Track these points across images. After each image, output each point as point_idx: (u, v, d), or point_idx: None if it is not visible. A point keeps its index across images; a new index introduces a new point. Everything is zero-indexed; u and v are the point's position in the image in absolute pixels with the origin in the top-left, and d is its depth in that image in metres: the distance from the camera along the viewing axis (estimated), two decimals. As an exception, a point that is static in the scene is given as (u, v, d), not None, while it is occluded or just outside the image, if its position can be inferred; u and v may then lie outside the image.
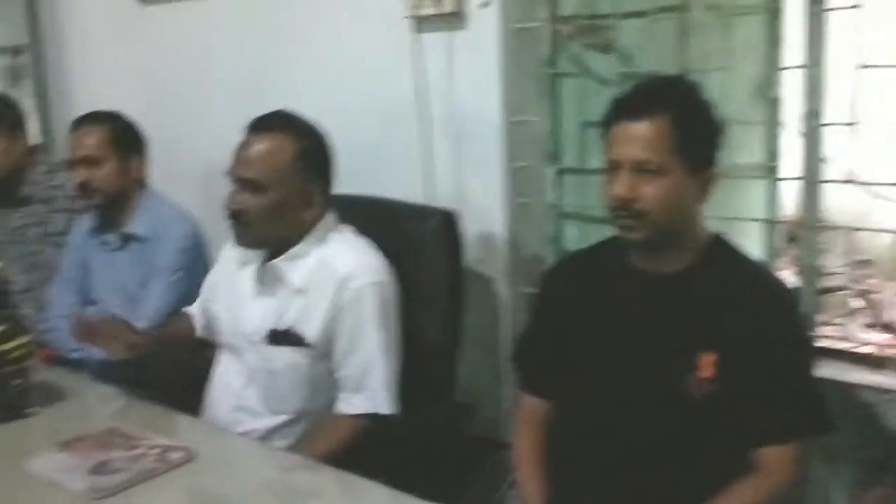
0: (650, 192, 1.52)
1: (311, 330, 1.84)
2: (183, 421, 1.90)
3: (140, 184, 2.49)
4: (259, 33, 2.79)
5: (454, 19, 2.28)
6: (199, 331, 2.12)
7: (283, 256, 1.88)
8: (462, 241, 2.07)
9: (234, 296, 1.98)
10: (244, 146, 1.85)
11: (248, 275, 1.96)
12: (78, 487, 1.53)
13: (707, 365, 1.53)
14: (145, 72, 3.13)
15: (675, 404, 1.55)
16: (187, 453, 1.64)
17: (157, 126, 2.59)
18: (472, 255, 2.24)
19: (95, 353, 2.35)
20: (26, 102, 3.32)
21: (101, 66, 3.29)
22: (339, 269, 1.83)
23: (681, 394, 1.54)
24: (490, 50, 2.23)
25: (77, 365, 2.37)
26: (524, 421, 1.78)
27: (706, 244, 1.62)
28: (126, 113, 2.50)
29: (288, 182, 1.83)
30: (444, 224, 2.04)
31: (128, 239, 2.46)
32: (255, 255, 1.94)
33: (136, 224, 2.45)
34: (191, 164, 1.82)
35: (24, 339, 1.88)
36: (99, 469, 1.58)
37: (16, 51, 3.40)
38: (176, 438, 1.71)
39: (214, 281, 2.11)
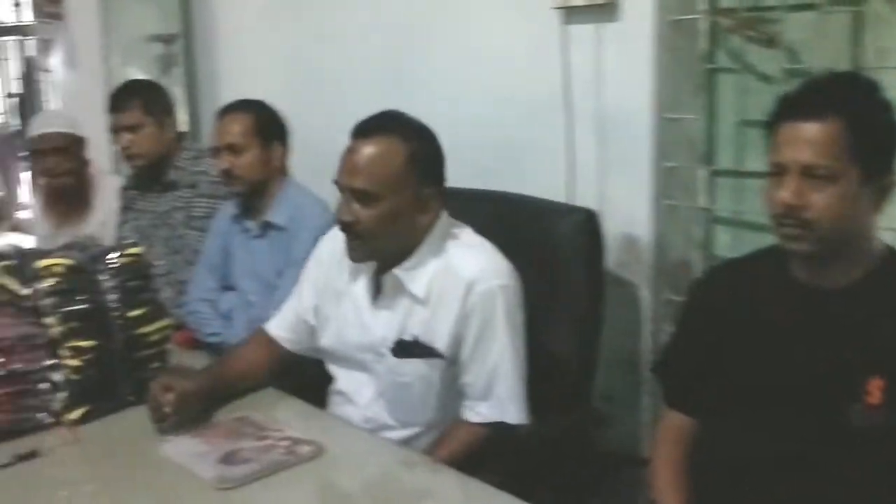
0: (820, 199, 1.40)
1: (439, 340, 1.77)
2: (313, 414, 1.89)
3: (281, 173, 2.52)
4: (402, 23, 2.77)
5: (605, 10, 2.18)
6: (290, 345, 2.01)
7: (401, 266, 1.79)
8: (604, 243, 1.98)
9: (351, 307, 1.89)
10: (351, 153, 1.74)
11: (362, 285, 1.88)
12: (207, 475, 1.54)
13: (875, 391, 1.40)
14: (291, 61, 3.18)
15: (835, 433, 1.43)
16: (316, 448, 1.63)
17: (300, 115, 2.61)
18: (612, 257, 2.15)
19: (233, 337, 2.43)
20: (176, 90, 3.44)
21: (247, 55, 3.37)
22: (463, 275, 1.75)
23: (842, 422, 1.41)
24: (643, 43, 2.13)
25: (215, 349, 2.42)
26: (665, 437, 1.68)
27: (878, 258, 1.48)
28: (270, 102, 2.54)
29: (401, 189, 1.73)
30: (586, 224, 1.96)
31: (267, 227, 2.49)
32: (367, 264, 1.87)
33: (276, 213, 2.48)
34: (333, 154, 1.79)
35: (163, 323, 1.93)
36: (229, 458, 1.59)
37: (168, 39, 3.52)
38: (305, 432, 1.70)
39: (321, 288, 1.97)
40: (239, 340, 2.38)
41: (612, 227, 2.13)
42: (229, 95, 2.80)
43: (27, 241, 3.72)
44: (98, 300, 1.81)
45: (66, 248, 1.91)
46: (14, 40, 5.07)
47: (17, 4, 4.95)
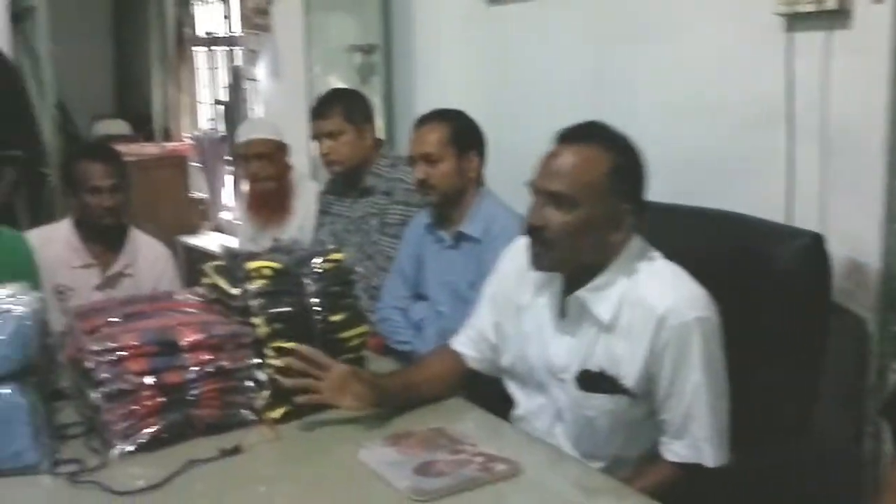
0: None
1: (628, 375, 1.67)
2: (506, 430, 1.85)
3: (477, 183, 2.51)
4: (603, 32, 2.71)
5: (836, 17, 2.03)
6: (474, 363, 1.97)
7: (587, 287, 1.71)
8: (830, 271, 1.83)
9: (533, 325, 1.83)
10: (553, 156, 1.70)
11: (545, 304, 1.81)
12: (402, 485, 1.53)
13: None
14: (488, 70, 3.18)
15: None
16: (512, 467, 1.59)
17: (496, 125, 2.60)
18: (834, 284, 1.98)
19: (423, 347, 2.44)
20: (374, 99, 3.52)
21: (445, 65, 3.40)
22: (656, 306, 1.64)
23: None
24: (879, 52, 1.96)
25: (405, 357, 2.45)
26: (894, 487, 1.52)
27: None
28: (467, 111, 2.53)
29: (599, 199, 1.66)
30: (812, 249, 1.81)
31: (461, 238, 2.49)
32: (551, 281, 1.79)
33: (470, 224, 2.47)
34: (529, 165, 1.74)
35: (362, 329, 1.95)
36: (423, 469, 1.57)
37: (368, 50, 3.61)
38: (501, 448, 1.66)
39: (501, 304, 1.92)
40: (427, 350, 2.40)
41: (835, 252, 1.96)
42: (426, 104, 2.83)
43: (229, 242, 3.93)
44: (302, 303, 1.85)
45: (273, 251, 1.97)
46: (223, 51, 5.38)
47: (226, 17, 5.26)
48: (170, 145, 5.67)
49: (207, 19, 5.54)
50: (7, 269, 2.36)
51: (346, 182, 2.97)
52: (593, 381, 1.71)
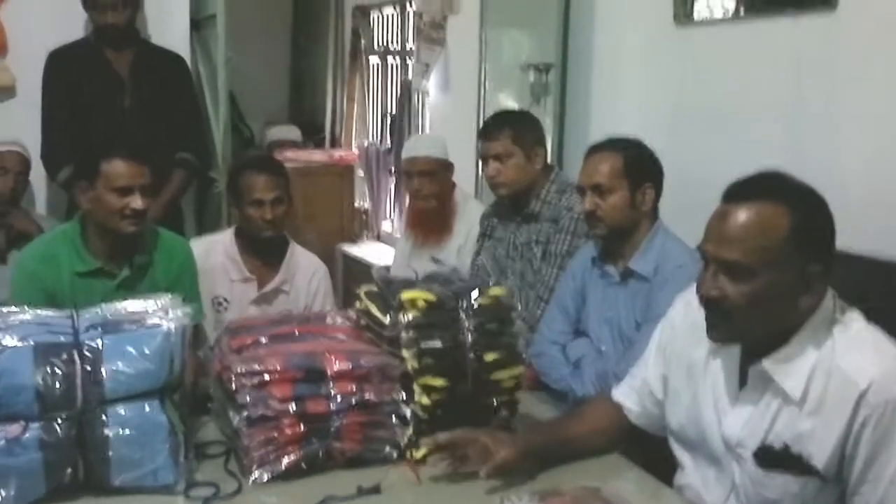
0: None
1: (819, 454, 1.49)
2: (671, 498, 1.70)
3: (650, 217, 2.36)
4: (806, 58, 2.49)
5: None
6: (636, 417, 1.84)
7: (773, 357, 1.54)
8: None
9: (707, 389, 1.67)
10: (723, 218, 1.53)
11: (722, 367, 1.65)
12: (549, 550, 1.42)
13: None
14: (671, 96, 3.01)
15: None
16: (673, 544, 1.44)
17: (677, 155, 2.44)
18: None
19: (580, 387, 2.32)
20: (546, 120, 3.42)
21: (624, 88, 3.26)
22: (856, 379, 1.45)
23: None
24: None
25: (560, 395, 2.34)
26: None
27: None
28: (645, 139, 2.39)
29: (780, 265, 1.49)
30: None
31: (629, 274, 2.35)
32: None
33: (640, 260, 2.32)
34: (712, 201, 1.58)
35: (517, 370, 1.85)
36: (574, 535, 1.46)
37: (543, 68, 3.51)
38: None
39: (671, 356, 1.78)
40: (584, 392, 2.28)
41: None
42: (601, 129, 2.70)
43: (388, 254, 3.93)
44: (455, 339, 1.77)
45: (429, 281, 1.90)
46: (396, 62, 5.43)
47: (402, 29, 5.31)
48: (337, 153, 5.78)
49: (383, 31, 5.62)
50: (168, 274, 2.43)
51: (511, 206, 2.88)
52: (775, 458, 1.53)
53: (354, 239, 5.59)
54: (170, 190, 3.14)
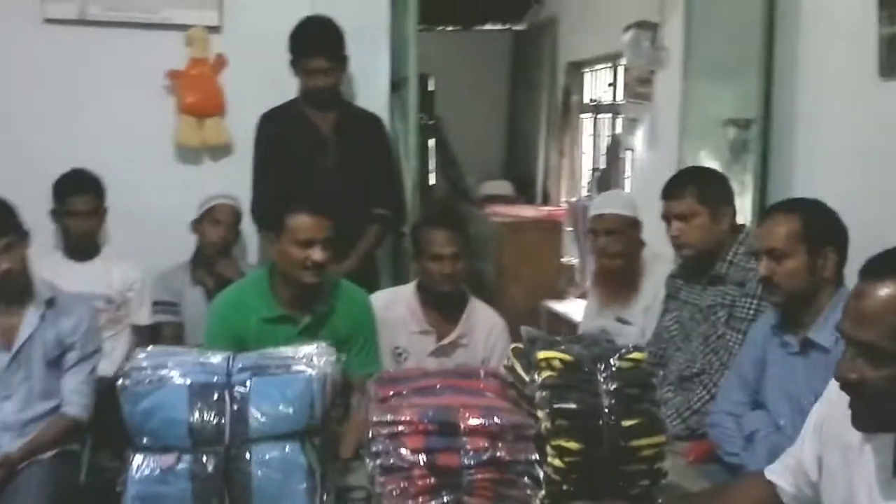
0: None
1: None
2: None
3: (833, 284, 2.23)
4: None
5: None
6: (790, 500, 1.74)
7: None
8: None
9: (862, 476, 1.55)
10: (859, 297, 1.47)
11: (874, 450, 1.53)
12: None
13: None
14: (878, 155, 2.83)
15: None
16: None
17: (884, 217, 2.27)
18: None
19: (752, 462, 2.21)
20: (745, 178, 3.31)
21: (828, 145, 3.09)
22: None
23: None
24: None
25: (732, 469, 2.26)
26: None
27: None
28: (848, 199, 2.26)
29: None
30: None
31: (809, 345, 2.22)
32: None
33: (820, 330, 2.19)
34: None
35: (658, 439, 1.81)
36: None
37: (744, 124, 3.41)
38: None
39: (827, 436, 1.68)
40: (756, 468, 2.17)
41: None
42: (805, 187, 2.58)
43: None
44: (591, 402, 1.77)
45: (571, 342, 1.91)
46: (606, 118, 5.46)
47: (612, 85, 5.34)
48: (546, 209, 5.87)
49: (595, 87, 5.67)
50: (348, 323, 2.59)
51: (696, 267, 2.81)
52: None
53: (560, 295, 5.61)
54: (364, 244, 3.33)
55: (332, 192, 3.07)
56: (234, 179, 3.32)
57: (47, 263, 2.88)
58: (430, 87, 5.59)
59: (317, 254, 2.42)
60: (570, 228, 5.61)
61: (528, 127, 6.38)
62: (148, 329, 3.17)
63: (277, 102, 3.32)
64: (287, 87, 3.34)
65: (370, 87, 3.57)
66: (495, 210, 5.81)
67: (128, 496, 1.72)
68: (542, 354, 1.79)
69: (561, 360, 1.78)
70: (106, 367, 2.68)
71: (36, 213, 2.78)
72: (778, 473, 1.77)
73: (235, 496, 1.70)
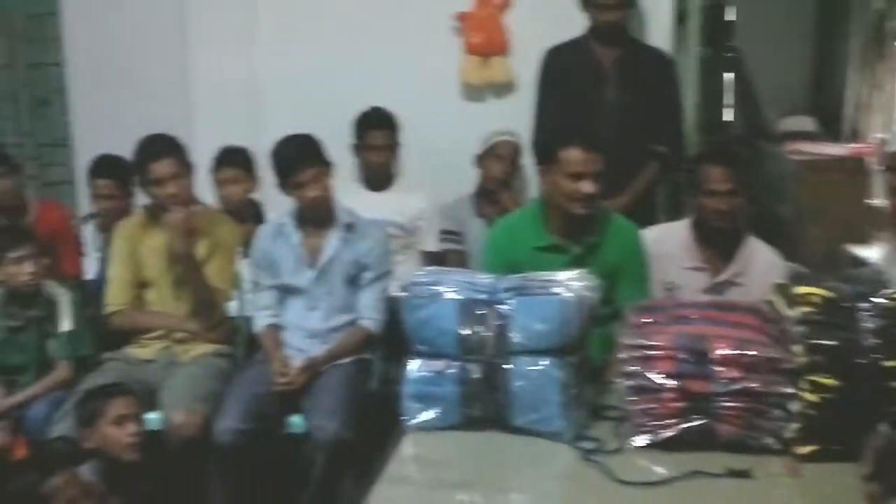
0: None
1: None
2: None
3: None
4: None
5: None
6: None
7: None
8: None
9: None
10: None
11: None
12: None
13: None
14: None
15: None
16: None
17: None
18: None
19: None
20: None
21: None
22: None
23: None
24: None
25: None
26: None
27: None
28: None
29: None
30: None
31: None
32: None
33: None
34: None
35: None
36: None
37: None
38: None
39: None
40: None
41: None
42: None
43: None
44: (851, 339, 1.78)
45: (837, 279, 1.91)
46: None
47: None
48: (852, 146, 5.52)
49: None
50: (617, 255, 2.71)
51: None
52: None
53: (866, 240, 5.29)
54: (640, 181, 3.39)
55: (610, 127, 3.17)
56: (516, 116, 3.50)
57: (348, 193, 3.24)
58: (730, 17, 5.40)
59: (587, 186, 2.55)
60: (881, 167, 5.24)
61: (836, 57, 6.00)
62: (434, 255, 3.47)
63: (563, 39, 3.46)
64: (571, 26, 3.45)
65: (653, 21, 3.60)
66: (796, 147, 5.55)
67: (405, 393, 2.01)
68: (801, 289, 1.83)
69: (821, 295, 1.81)
70: (396, 288, 3.01)
71: (339, 147, 3.16)
72: None
73: (497, 401, 1.92)
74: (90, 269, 3.46)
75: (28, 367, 2.88)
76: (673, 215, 3.58)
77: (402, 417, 2.02)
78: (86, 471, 2.27)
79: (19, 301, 2.89)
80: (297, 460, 2.57)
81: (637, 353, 1.85)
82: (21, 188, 3.50)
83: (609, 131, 3.12)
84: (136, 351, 2.94)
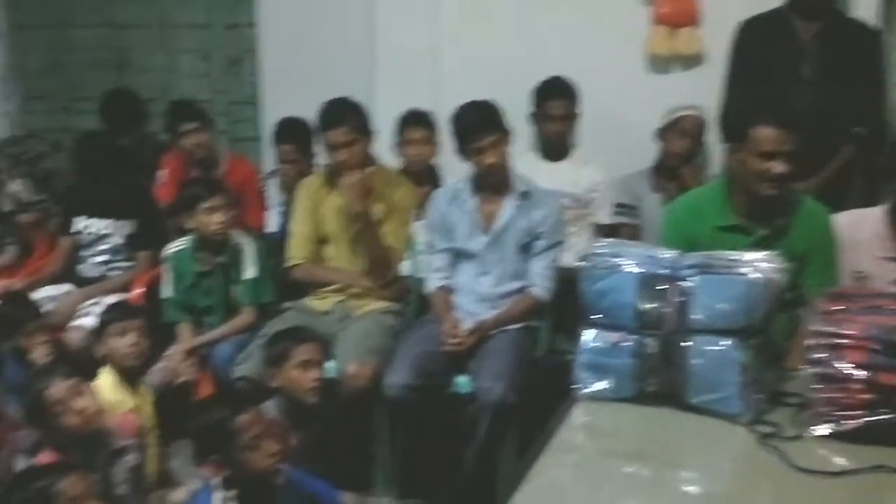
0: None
1: None
2: None
3: None
4: None
5: None
6: None
7: None
8: None
9: None
10: None
11: None
12: None
13: None
14: None
15: None
16: None
17: None
18: None
19: None
20: None
21: None
22: None
23: None
24: None
25: None
26: None
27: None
28: None
29: None
30: None
31: None
32: None
33: None
34: None
35: None
36: None
37: None
38: None
39: None
40: None
41: None
42: None
43: None
44: None
45: None
46: None
47: None
48: None
49: None
50: (804, 240, 2.63)
51: None
52: None
53: None
54: (835, 163, 3.25)
55: (806, 105, 3.06)
56: (703, 90, 3.42)
57: (524, 161, 3.28)
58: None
59: (778, 166, 2.48)
60: None
61: None
62: (607, 228, 3.46)
63: (753, 13, 3.34)
64: (768, -1, 3.34)
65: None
66: None
67: (579, 362, 2.03)
68: None
69: None
70: (567, 258, 3.02)
71: (517, 115, 3.19)
72: None
73: (672, 378, 1.92)
74: (272, 223, 3.67)
75: (214, 309, 3.10)
76: (869, 201, 3.41)
77: (574, 386, 2.05)
78: (269, 407, 2.43)
79: (209, 248, 3.10)
80: (462, 421, 2.65)
81: (825, 341, 1.81)
82: (214, 143, 3.73)
83: (804, 109, 3.02)
84: (313, 302, 3.11)
